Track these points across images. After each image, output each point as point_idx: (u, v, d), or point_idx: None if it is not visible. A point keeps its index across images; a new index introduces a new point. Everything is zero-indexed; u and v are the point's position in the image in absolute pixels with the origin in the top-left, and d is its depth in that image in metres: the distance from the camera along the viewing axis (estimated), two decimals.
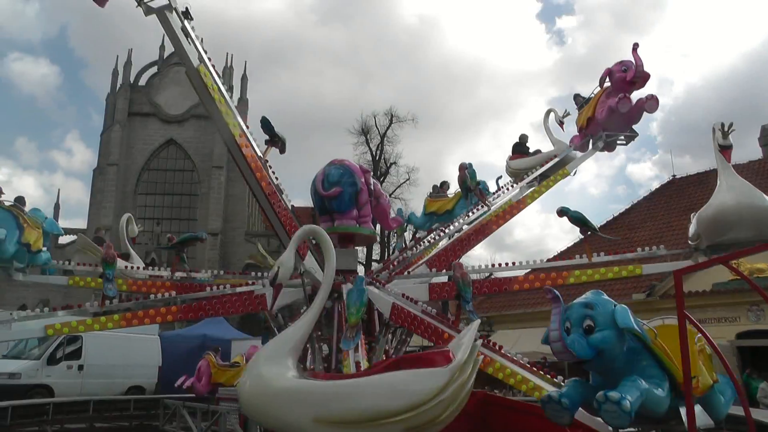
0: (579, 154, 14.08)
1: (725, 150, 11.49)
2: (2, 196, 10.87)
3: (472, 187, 14.10)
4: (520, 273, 13.92)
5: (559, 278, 12.13)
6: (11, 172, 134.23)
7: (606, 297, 7.57)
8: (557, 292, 7.41)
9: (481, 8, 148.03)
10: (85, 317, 11.94)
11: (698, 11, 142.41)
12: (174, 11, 11.07)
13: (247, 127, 12.47)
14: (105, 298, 11.49)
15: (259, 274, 13.85)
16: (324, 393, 6.60)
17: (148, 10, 10.64)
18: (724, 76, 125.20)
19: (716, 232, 11.52)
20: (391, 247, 49.70)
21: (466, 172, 14.23)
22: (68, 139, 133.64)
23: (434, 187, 14.90)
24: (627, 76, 12.46)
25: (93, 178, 63.25)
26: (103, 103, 67.48)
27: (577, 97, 14.22)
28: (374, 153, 51.03)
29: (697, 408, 7.45)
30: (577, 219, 12.74)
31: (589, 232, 13.16)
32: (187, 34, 11.71)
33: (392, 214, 14.00)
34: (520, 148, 15.15)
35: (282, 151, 13.81)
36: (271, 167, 12.70)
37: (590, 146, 13.78)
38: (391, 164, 51.62)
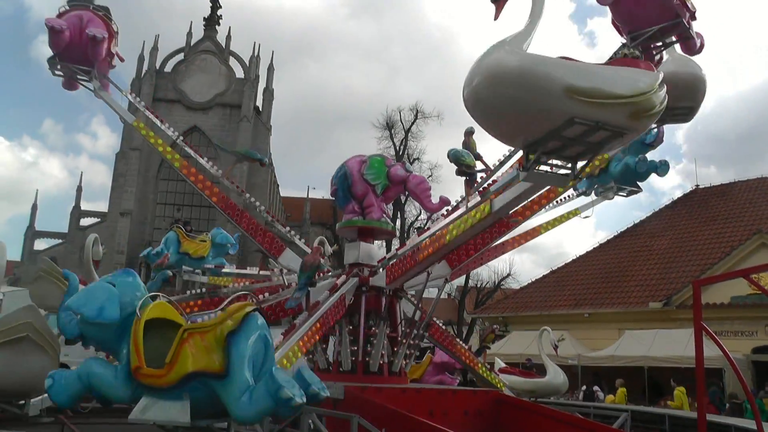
0: None
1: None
2: (177, 224, 15.96)
3: (476, 154, 13.64)
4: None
5: (441, 238, 11.19)
6: (38, 154, 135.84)
7: (126, 279, 7.60)
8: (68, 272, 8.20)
9: (514, 7, 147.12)
10: None
11: (733, 22, 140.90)
12: (105, 85, 13.65)
13: (204, 157, 15.20)
14: None
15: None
16: None
17: (95, 93, 13.32)
18: (758, 86, 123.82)
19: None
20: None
21: (471, 138, 13.76)
22: (94, 123, 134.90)
23: None
24: None
25: (116, 162, 63.75)
26: (128, 89, 67.87)
27: None
28: (398, 148, 50.94)
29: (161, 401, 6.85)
30: (452, 155, 11.62)
31: (468, 175, 11.68)
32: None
33: (434, 197, 13.52)
34: None
35: (262, 164, 16.60)
36: (233, 182, 15.41)
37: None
38: (414, 160, 51.49)
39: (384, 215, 13.66)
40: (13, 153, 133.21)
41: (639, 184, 14.67)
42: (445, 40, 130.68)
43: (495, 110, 7.40)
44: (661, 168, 14.06)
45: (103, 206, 64.84)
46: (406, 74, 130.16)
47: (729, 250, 27.63)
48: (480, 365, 14.77)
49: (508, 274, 51.60)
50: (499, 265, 53.51)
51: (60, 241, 61.53)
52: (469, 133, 13.70)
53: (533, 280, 36.80)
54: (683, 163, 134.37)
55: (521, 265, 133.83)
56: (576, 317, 30.28)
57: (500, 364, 17.74)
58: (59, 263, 58.15)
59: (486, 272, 51.91)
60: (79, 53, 12.76)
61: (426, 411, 10.21)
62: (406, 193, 14.49)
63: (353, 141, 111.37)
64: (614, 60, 7.77)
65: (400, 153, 50.19)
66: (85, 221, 62.76)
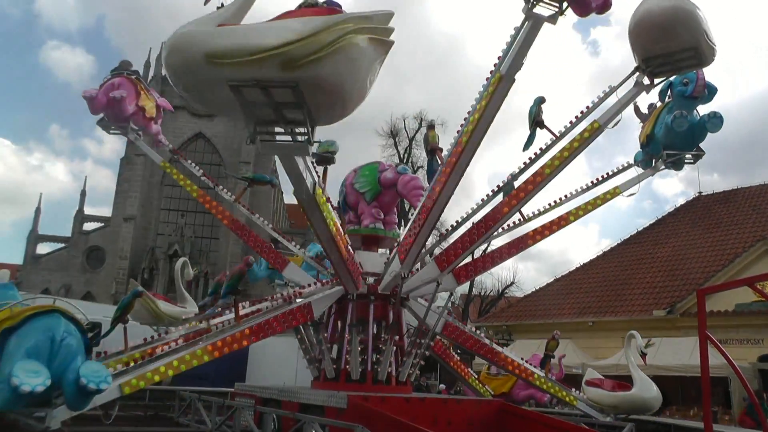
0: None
1: None
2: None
3: (435, 148, 13.63)
4: None
5: None
6: (44, 158, 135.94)
7: None
8: None
9: (519, 16, 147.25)
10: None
11: (736, 29, 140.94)
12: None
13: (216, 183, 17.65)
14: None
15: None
16: None
17: (135, 141, 15.70)
18: (759, 93, 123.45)
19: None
20: None
21: (433, 132, 13.86)
22: (99, 129, 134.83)
23: (639, 110, 13.29)
24: None
25: (120, 168, 63.70)
26: None
27: None
28: (402, 156, 51.06)
29: None
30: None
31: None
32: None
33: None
34: None
35: (273, 186, 20.53)
36: (244, 205, 17.12)
37: None
38: (419, 168, 51.52)
39: (378, 221, 13.66)
40: (19, 157, 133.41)
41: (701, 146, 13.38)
42: (451, 48, 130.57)
43: (184, 89, 7.46)
44: (711, 122, 12.43)
45: (107, 211, 64.75)
46: (411, 82, 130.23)
47: (733, 257, 27.50)
48: (536, 376, 14.13)
49: (512, 283, 51.63)
50: (503, 273, 53.53)
51: (63, 245, 61.44)
52: (430, 127, 14.15)
53: (537, 288, 36.71)
54: (686, 171, 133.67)
55: (525, 273, 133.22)
56: (580, 325, 30.14)
57: (593, 374, 15.40)
58: (61, 268, 57.96)
59: (490, 280, 51.92)
60: (115, 112, 14.51)
61: (430, 420, 10.16)
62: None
63: (358, 149, 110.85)
64: (289, 12, 7.46)
65: (404, 161, 50.33)
66: (89, 226, 62.68)
